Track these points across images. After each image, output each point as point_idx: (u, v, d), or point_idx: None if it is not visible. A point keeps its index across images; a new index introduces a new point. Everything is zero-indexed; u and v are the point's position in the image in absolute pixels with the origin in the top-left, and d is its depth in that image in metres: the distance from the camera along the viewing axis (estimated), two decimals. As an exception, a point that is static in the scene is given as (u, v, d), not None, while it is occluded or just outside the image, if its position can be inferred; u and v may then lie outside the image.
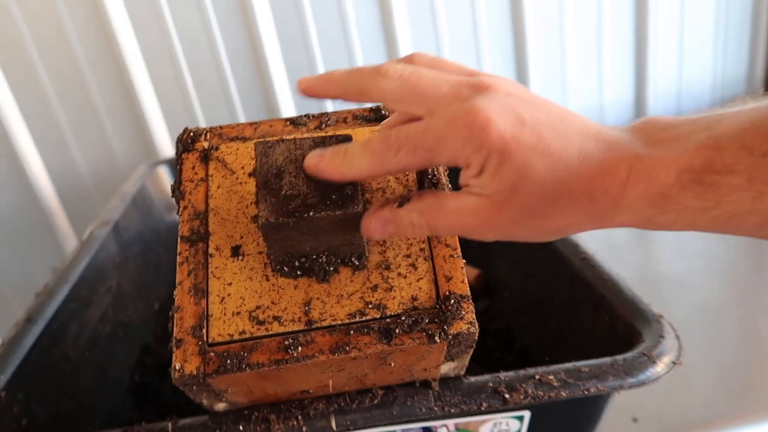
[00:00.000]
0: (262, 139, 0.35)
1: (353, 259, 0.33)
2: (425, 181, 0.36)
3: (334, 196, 0.30)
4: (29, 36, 0.90)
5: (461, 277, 0.33)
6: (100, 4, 0.89)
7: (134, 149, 1.00)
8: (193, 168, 0.36)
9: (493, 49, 1.00)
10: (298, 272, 0.33)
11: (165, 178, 0.91)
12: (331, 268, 0.33)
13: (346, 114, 0.39)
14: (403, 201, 0.30)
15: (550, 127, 0.28)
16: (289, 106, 1.02)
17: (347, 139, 0.31)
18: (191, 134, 0.38)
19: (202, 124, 1.02)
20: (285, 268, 0.33)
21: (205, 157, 0.37)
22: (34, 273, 1.02)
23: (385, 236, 0.31)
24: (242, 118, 1.02)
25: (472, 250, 0.41)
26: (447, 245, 0.34)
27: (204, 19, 0.93)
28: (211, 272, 0.33)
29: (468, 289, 0.32)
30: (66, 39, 0.90)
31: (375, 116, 0.39)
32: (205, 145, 0.37)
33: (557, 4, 0.98)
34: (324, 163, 0.30)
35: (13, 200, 0.99)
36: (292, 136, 0.37)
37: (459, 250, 0.34)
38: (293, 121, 0.38)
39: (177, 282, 0.33)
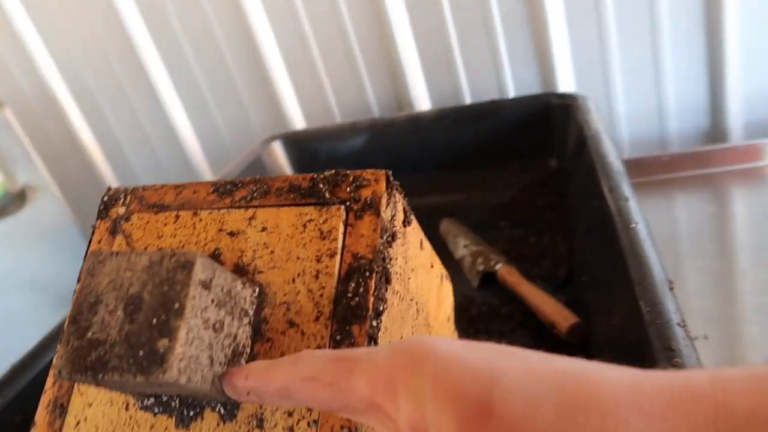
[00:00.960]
0: (101, 250, 0.28)
1: (219, 406, 0.25)
2: (342, 299, 0.26)
3: (142, 352, 0.21)
4: (180, 28, 0.96)
5: None
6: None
7: (267, 118, 1.04)
8: (100, 242, 0.31)
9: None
10: (156, 409, 0.26)
11: (279, 154, 0.90)
12: (191, 413, 0.25)
13: (281, 183, 0.29)
14: None
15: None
16: (420, 88, 0.93)
17: (190, 261, 0.23)
18: (107, 197, 0.32)
19: (332, 99, 0.98)
20: (143, 400, 0.26)
21: (115, 228, 0.31)
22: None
23: None
24: (370, 92, 0.96)
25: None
26: (342, 410, 0.24)
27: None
28: (78, 385, 0.28)
29: None
30: (210, 29, 0.96)
31: (311, 190, 0.29)
32: (120, 211, 0.31)
33: None
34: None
35: (168, 157, 1.10)
36: (207, 210, 0.30)
37: (355, 422, 0.23)
38: (218, 189, 0.30)
39: (44, 389, 0.28)
